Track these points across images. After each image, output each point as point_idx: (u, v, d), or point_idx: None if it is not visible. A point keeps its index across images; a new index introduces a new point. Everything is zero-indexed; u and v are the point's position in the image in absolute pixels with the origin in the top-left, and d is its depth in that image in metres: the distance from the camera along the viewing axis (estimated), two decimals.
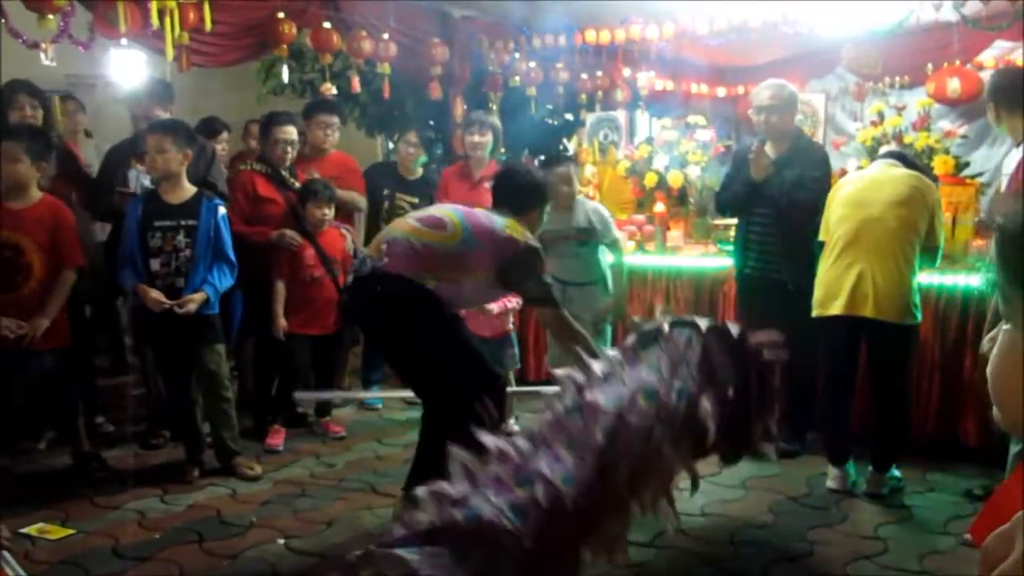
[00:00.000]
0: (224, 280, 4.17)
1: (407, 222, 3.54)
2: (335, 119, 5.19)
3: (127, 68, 6.07)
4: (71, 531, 3.56)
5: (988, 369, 1.00)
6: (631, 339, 2.18)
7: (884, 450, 3.94)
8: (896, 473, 3.96)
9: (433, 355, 3.34)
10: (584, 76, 7.34)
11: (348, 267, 4.59)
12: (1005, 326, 0.96)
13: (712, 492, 3.93)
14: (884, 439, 3.94)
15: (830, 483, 3.99)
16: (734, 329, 2.17)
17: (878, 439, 3.96)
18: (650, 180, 5.74)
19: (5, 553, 1.92)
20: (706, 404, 2.05)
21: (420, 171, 5.45)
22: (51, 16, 4.41)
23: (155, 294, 4.00)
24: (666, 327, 2.14)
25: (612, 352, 2.18)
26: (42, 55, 4.54)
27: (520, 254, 3.42)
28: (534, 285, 3.47)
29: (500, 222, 3.47)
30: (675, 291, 5.29)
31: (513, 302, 4.69)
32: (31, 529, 3.55)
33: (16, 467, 4.26)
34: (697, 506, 3.78)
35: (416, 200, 5.20)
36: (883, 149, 4.48)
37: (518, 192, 3.66)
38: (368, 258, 3.49)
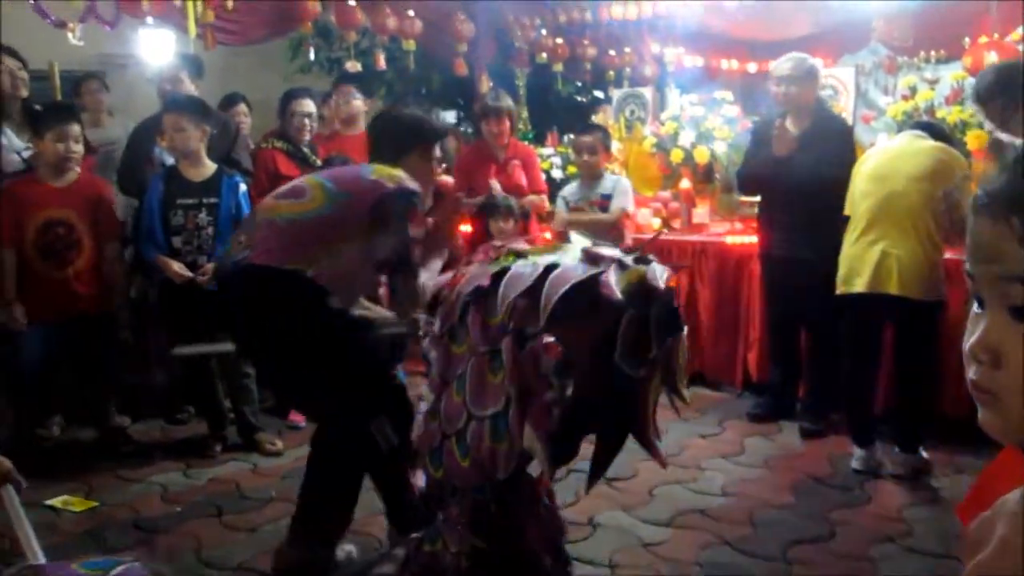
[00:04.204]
0: None
1: (266, 201, 3.03)
2: (359, 94, 5.19)
3: (156, 47, 6.09)
4: (94, 503, 3.62)
5: None
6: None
7: (910, 430, 3.87)
8: (923, 454, 3.88)
9: (318, 365, 2.79)
10: (611, 52, 7.26)
11: None
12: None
13: (732, 471, 3.90)
14: (910, 419, 3.87)
15: (855, 464, 3.92)
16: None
17: (904, 419, 3.90)
18: (676, 156, 5.68)
19: (9, 487, 1.96)
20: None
21: None
22: None
23: (177, 266, 4.04)
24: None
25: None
26: (69, 35, 4.58)
27: (387, 197, 2.84)
28: (396, 237, 2.85)
29: (367, 168, 3.01)
30: (701, 268, 5.24)
31: None
32: (55, 501, 3.60)
33: (43, 439, 4.33)
34: (717, 485, 3.75)
35: None
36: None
37: (391, 135, 3.12)
38: (227, 255, 3.02)
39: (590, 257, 2.05)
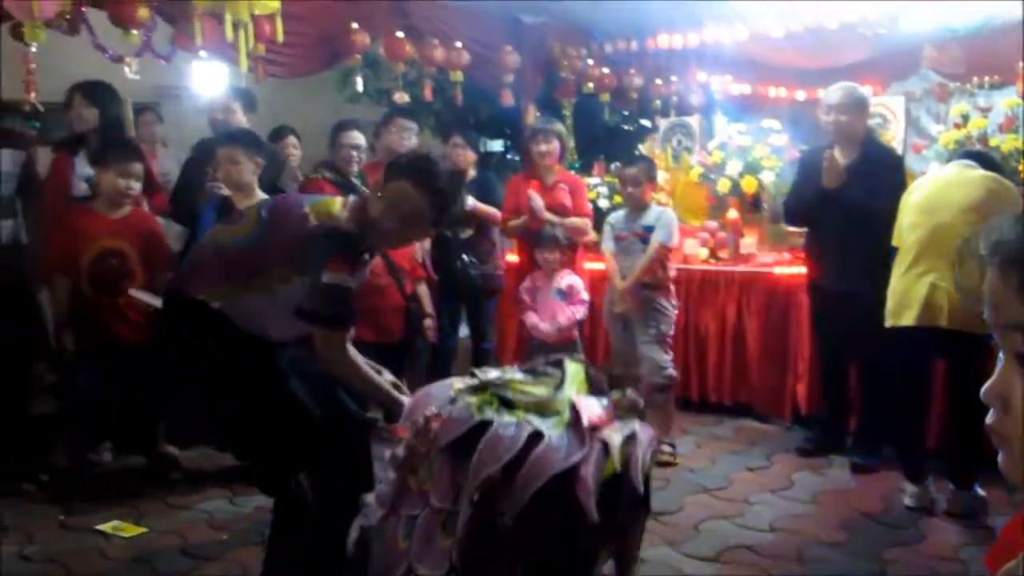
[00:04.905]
0: None
1: (216, 225, 2.91)
2: (412, 125, 5.24)
3: (210, 80, 6.23)
4: (143, 529, 3.66)
5: None
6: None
7: (965, 467, 3.77)
8: (978, 491, 3.77)
9: (228, 403, 2.61)
10: (658, 81, 7.27)
11: (415, 276, 4.65)
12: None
13: (780, 506, 3.83)
14: (964, 455, 3.77)
15: (908, 501, 3.83)
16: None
17: (958, 455, 3.79)
18: (723, 186, 5.65)
19: None
20: None
21: (473, 173, 5.35)
22: (135, 31, 4.58)
23: None
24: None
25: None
26: (126, 68, 4.70)
27: (308, 235, 2.54)
28: (313, 285, 2.49)
29: (309, 199, 2.74)
30: (748, 299, 5.20)
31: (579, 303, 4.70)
32: (106, 527, 3.66)
33: (94, 465, 4.40)
34: (765, 521, 3.69)
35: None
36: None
37: (387, 167, 2.81)
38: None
39: (578, 432, 2.00)
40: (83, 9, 4.32)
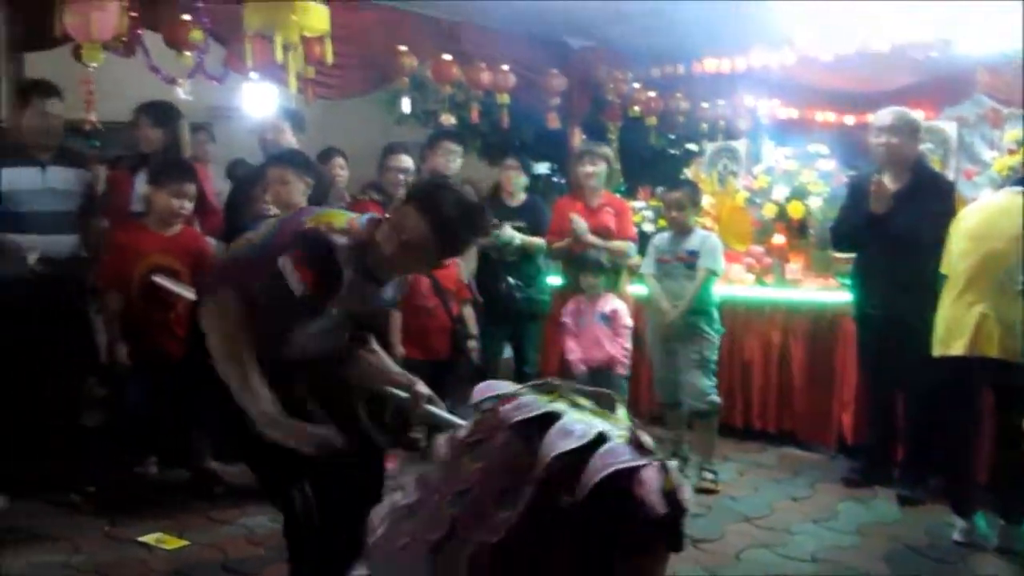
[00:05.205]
0: None
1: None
2: (458, 147, 5.28)
3: (260, 100, 6.35)
4: (185, 543, 3.71)
5: None
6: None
7: (1016, 500, 3.67)
8: None
9: (239, 416, 2.46)
10: (704, 104, 7.24)
11: (461, 297, 4.68)
12: None
13: (823, 537, 3.76)
14: (1015, 488, 3.67)
15: (956, 535, 3.73)
16: None
17: (1009, 488, 3.70)
18: (769, 211, 5.60)
19: None
20: None
21: (523, 196, 5.38)
22: (188, 53, 4.69)
23: None
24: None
25: None
26: (179, 90, 4.81)
27: (294, 235, 2.49)
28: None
29: (320, 210, 2.77)
30: (793, 326, 5.14)
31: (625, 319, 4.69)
32: (149, 538, 3.72)
33: (141, 478, 4.48)
34: (807, 551, 3.63)
35: (522, 225, 5.17)
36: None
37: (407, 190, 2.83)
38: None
39: (636, 444, 2.05)
40: (139, 31, 4.44)
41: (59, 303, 4.13)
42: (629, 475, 2.06)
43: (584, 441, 2.07)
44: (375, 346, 2.83)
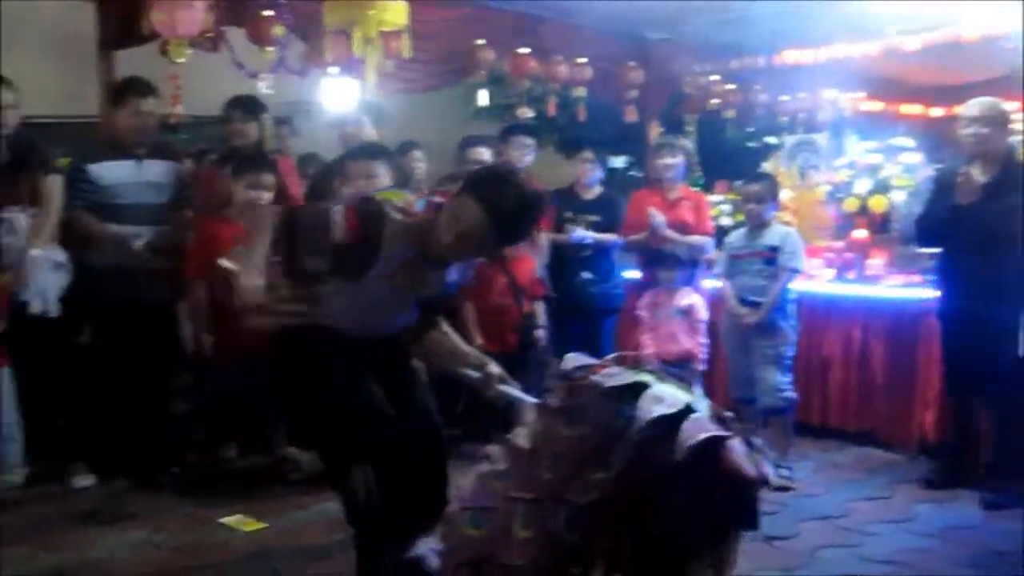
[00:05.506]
0: None
1: None
2: (531, 141, 5.29)
3: (339, 94, 6.46)
4: (263, 525, 3.80)
5: None
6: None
7: None
8: None
9: (304, 399, 2.63)
10: (784, 97, 7.12)
11: (533, 294, 4.70)
12: None
13: (901, 539, 3.67)
14: None
15: None
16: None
17: None
18: (850, 205, 5.48)
19: None
20: None
21: (599, 189, 5.36)
22: (270, 48, 4.81)
23: None
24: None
25: None
26: (260, 84, 4.93)
27: (353, 204, 2.55)
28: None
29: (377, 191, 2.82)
30: (874, 322, 5.01)
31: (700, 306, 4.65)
32: (229, 520, 3.83)
33: (224, 462, 4.62)
34: (884, 553, 3.53)
35: (597, 219, 5.16)
36: None
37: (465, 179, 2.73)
38: None
39: (719, 418, 2.11)
40: (223, 28, 4.57)
41: (155, 292, 4.28)
42: (717, 444, 2.16)
43: (675, 409, 2.15)
44: (447, 328, 2.87)
